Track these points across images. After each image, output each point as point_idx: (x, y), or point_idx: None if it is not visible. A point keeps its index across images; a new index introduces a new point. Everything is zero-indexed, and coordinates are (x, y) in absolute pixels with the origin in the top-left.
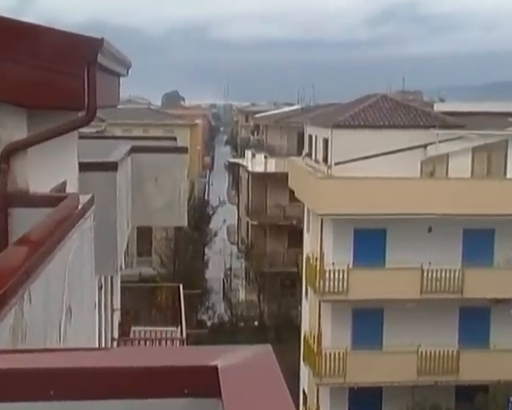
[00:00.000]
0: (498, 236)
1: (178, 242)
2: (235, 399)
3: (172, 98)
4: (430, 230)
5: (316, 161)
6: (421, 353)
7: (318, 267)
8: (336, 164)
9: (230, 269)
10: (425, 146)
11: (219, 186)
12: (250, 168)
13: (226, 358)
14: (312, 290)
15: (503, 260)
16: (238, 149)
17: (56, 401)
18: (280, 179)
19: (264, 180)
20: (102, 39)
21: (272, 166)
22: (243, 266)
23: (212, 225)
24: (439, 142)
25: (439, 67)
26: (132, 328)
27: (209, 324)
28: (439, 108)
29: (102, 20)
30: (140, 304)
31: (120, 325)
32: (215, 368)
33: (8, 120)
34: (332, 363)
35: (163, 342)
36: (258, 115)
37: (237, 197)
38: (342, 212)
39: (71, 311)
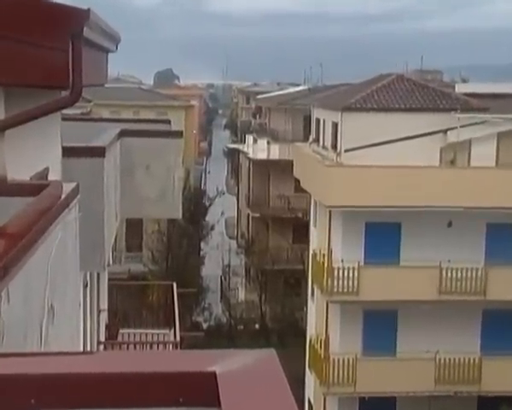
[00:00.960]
0: None
1: (172, 236)
2: (236, 408)
3: (166, 77)
4: (450, 224)
5: (324, 147)
6: (439, 360)
7: (326, 265)
8: (346, 151)
9: (229, 266)
10: (445, 131)
11: (217, 175)
12: (251, 155)
13: (225, 363)
14: (319, 290)
15: None
16: (238, 133)
17: None
18: (284, 167)
19: (266, 168)
20: (89, 10)
21: (276, 152)
22: (243, 262)
23: (209, 218)
24: (461, 126)
25: (461, 44)
26: (120, 330)
27: (205, 326)
28: (460, 89)
29: None
30: (129, 304)
31: (107, 327)
32: (213, 374)
33: None
34: (340, 370)
35: (154, 346)
36: (260, 97)
37: (237, 187)
38: (353, 204)
39: (53, 311)
